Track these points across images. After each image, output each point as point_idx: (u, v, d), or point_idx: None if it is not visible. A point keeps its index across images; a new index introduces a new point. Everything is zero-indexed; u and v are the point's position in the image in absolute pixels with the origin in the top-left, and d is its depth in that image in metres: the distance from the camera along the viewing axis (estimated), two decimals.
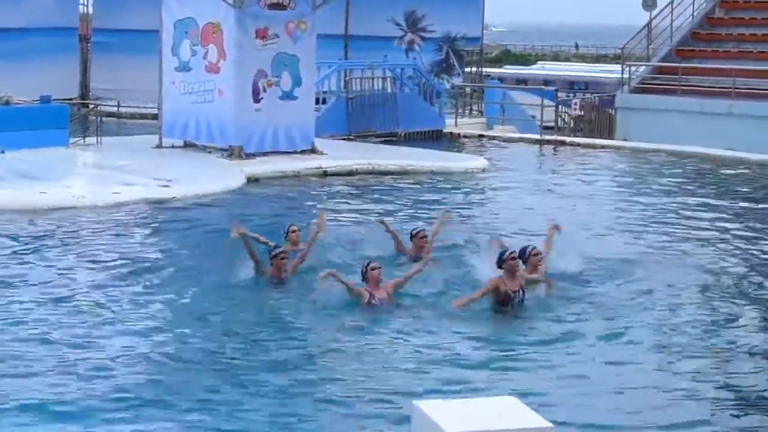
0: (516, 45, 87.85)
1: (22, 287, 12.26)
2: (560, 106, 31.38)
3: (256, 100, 22.43)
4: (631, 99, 30.16)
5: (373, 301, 11.54)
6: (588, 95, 33.59)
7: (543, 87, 35.24)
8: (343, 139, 25.98)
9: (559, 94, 32.06)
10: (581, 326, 11.18)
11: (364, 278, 11.69)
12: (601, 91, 34.22)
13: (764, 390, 9.54)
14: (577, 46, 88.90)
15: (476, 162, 23.35)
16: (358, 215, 17.58)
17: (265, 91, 22.51)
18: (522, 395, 6.10)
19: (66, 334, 10.53)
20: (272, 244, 12.98)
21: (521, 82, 40.29)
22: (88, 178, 20.14)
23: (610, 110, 30.61)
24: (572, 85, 39.56)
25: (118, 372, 9.45)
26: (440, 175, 21.88)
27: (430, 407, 5.35)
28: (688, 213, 18.24)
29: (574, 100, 32.04)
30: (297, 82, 22.94)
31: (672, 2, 32.62)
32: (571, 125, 31.20)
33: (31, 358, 9.79)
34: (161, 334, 10.75)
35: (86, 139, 23.29)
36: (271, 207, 18.39)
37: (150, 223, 16.46)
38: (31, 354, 9.90)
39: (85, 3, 35.00)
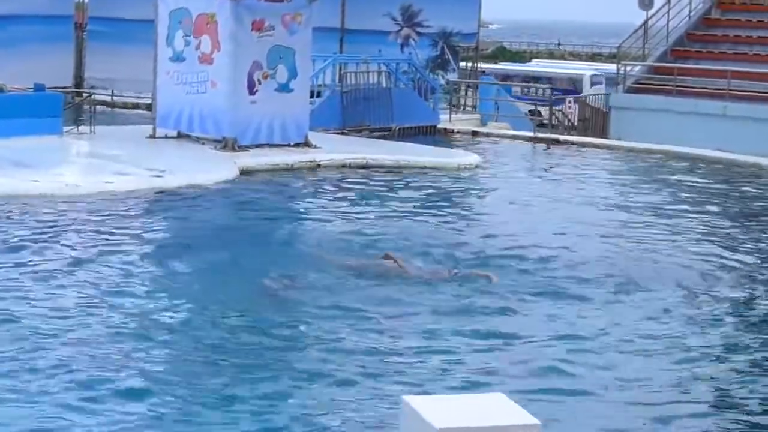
0: (511, 42, 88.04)
1: (12, 277, 12.24)
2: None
3: (252, 92, 22.41)
4: (626, 98, 30.19)
5: None
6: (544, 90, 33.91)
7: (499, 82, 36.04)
8: (337, 133, 25.97)
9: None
10: (571, 325, 11.22)
11: None
12: (556, 87, 34.63)
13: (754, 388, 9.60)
14: (558, 44, 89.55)
15: (469, 158, 23.37)
16: (350, 210, 17.61)
17: (260, 83, 22.49)
18: (511, 392, 6.11)
19: (59, 323, 10.53)
20: None
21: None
22: (81, 167, 20.13)
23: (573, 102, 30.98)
24: (531, 80, 40.19)
25: (115, 359, 9.47)
26: (433, 171, 21.89)
27: (419, 402, 5.36)
28: (679, 213, 18.28)
29: (568, 99, 32.09)
30: (293, 74, 22.92)
31: (669, 2, 32.67)
32: (565, 123, 31.27)
33: (32, 347, 9.80)
34: (152, 320, 10.76)
35: (80, 128, 23.27)
36: (265, 199, 18.39)
37: (142, 214, 16.46)
38: (32, 343, 9.91)
39: None
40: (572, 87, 37.32)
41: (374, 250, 14.14)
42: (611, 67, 47.44)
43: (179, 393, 8.87)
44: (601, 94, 32.47)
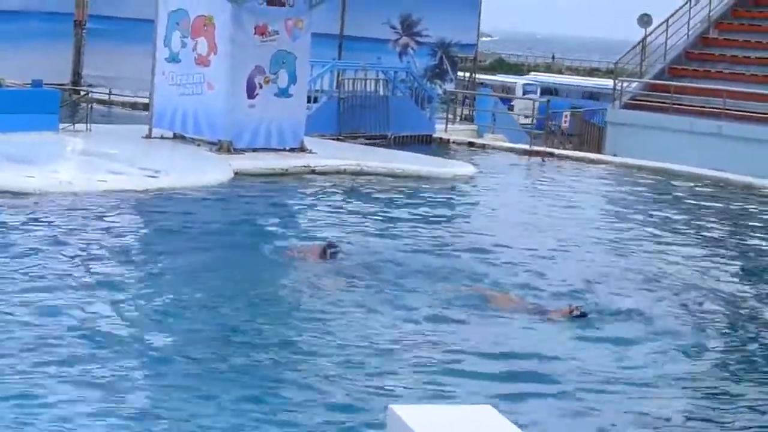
0: (509, 54, 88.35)
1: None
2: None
3: (251, 96, 22.40)
4: (622, 114, 30.27)
5: None
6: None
7: None
8: (333, 139, 25.99)
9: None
10: (562, 338, 11.23)
11: None
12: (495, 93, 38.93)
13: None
14: (553, 57, 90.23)
15: (464, 169, 23.39)
16: (343, 216, 17.61)
17: (261, 87, 22.47)
18: (499, 404, 6.13)
19: (52, 320, 10.52)
20: None
21: None
22: (75, 165, 20.09)
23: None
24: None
25: (110, 352, 9.48)
26: (428, 180, 21.91)
27: (406, 412, 5.35)
28: (671, 231, 18.31)
29: (564, 113, 32.13)
30: (293, 80, 22.93)
31: (667, 20, 32.75)
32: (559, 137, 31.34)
33: (29, 340, 9.82)
34: (143, 319, 10.76)
35: (76, 125, 23.25)
36: (259, 203, 18.39)
37: (135, 213, 16.45)
38: (30, 335, 9.93)
39: None
40: (508, 93, 42.48)
41: (353, 259, 14.16)
42: (555, 79, 52.25)
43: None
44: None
